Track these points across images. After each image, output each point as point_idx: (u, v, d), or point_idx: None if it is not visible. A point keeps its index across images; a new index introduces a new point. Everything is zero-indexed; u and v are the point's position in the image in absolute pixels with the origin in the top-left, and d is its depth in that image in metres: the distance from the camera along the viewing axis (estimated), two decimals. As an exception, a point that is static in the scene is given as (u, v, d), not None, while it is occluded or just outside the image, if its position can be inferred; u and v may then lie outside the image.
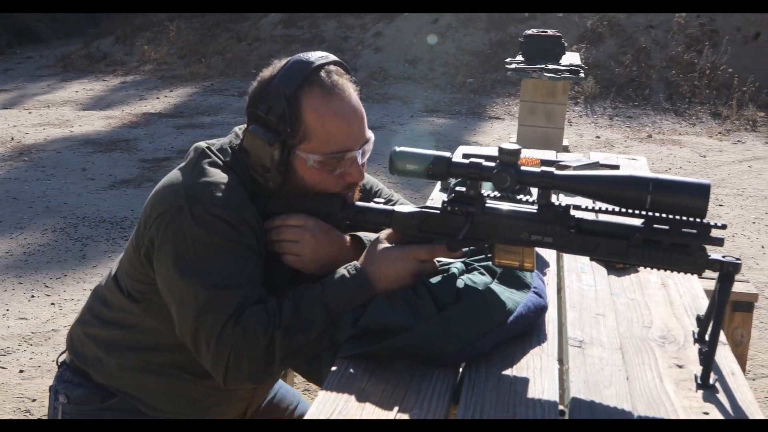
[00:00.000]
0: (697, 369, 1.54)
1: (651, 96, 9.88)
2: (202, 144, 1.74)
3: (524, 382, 1.47)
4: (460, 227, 1.59)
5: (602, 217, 1.59)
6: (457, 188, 1.62)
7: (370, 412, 1.35)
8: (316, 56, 1.67)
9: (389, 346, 1.50)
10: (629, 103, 9.77)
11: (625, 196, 1.50)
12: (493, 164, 1.57)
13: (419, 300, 1.56)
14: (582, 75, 6.72)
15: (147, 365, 1.78)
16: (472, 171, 1.57)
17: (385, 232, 1.68)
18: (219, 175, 1.64)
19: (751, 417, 1.38)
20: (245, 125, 1.75)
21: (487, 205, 1.60)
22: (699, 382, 1.49)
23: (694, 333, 1.69)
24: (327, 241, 1.69)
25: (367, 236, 1.74)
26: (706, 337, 1.65)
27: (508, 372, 1.51)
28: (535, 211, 1.59)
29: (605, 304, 1.84)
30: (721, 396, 1.45)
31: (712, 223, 1.49)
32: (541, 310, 1.67)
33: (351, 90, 1.69)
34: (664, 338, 1.68)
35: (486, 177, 1.57)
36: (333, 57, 1.69)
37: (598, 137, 8.51)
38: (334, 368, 1.49)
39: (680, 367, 1.56)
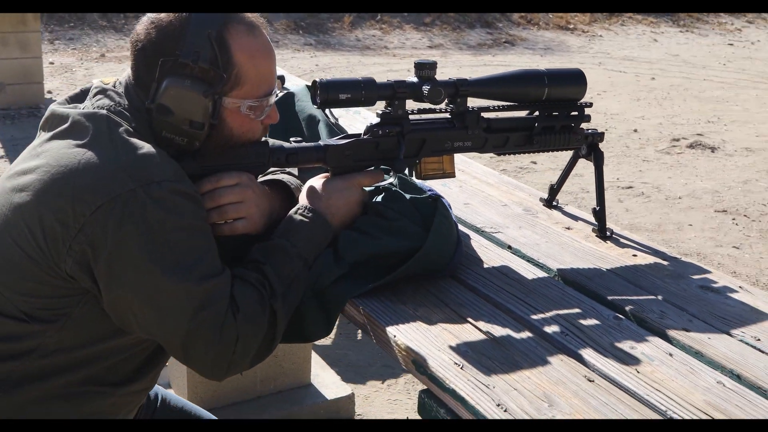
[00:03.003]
0: (581, 227, 1.89)
1: (86, 16, 9.64)
2: (98, 109, 1.42)
3: (511, 271, 1.64)
4: (395, 148, 1.63)
5: (501, 115, 1.79)
6: (381, 110, 1.64)
7: (463, 327, 1.39)
8: None
9: (406, 269, 1.51)
10: (65, 25, 9.40)
11: (528, 92, 1.73)
12: (416, 80, 1.63)
13: (393, 222, 1.57)
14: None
15: (49, 392, 1.44)
16: (400, 91, 1.61)
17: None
18: (147, 146, 1.38)
19: (655, 247, 1.79)
20: (123, 80, 1.48)
21: (411, 121, 1.67)
22: (600, 235, 1.84)
23: (542, 200, 2.03)
24: (263, 193, 1.57)
25: (282, 177, 1.65)
26: (554, 202, 2.02)
27: (489, 267, 1.66)
28: (450, 118, 1.71)
29: (452, 193, 2.05)
30: (626, 241, 1.83)
31: (583, 103, 1.81)
32: (449, 206, 1.82)
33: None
34: (528, 210, 1.98)
35: (417, 95, 1.62)
36: None
37: (52, 63, 8.09)
38: (359, 309, 1.46)
39: (570, 228, 1.89)
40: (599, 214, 1.83)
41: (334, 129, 1.97)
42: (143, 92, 1.43)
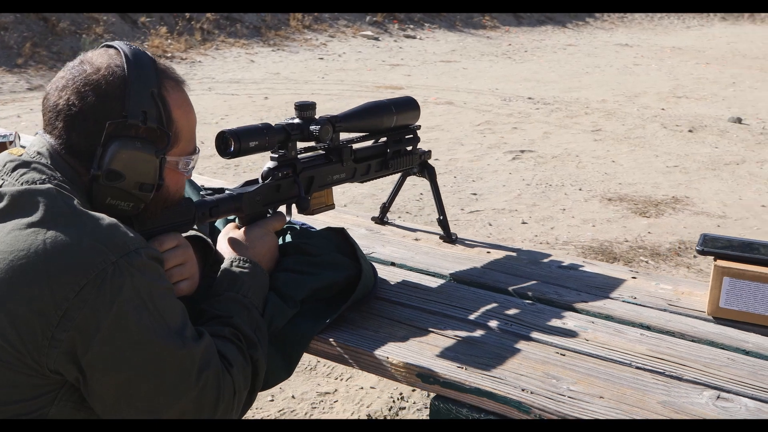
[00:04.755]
0: (425, 236, 2.17)
1: None
2: (44, 184, 1.34)
3: (416, 283, 1.85)
4: (292, 189, 1.75)
5: (361, 145, 1.98)
6: (273, 153, 1.74)
7: (432, 337, 1.58)
8: (126, 42, 1.49)
9: (353, 299, 1.65)
10: None
11: (383, 121, 1.96)
12: (300, 121, 1.76)
13: (321, 257, 1.70)
14: None
15: None
16: (293, 133, 1.73)
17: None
18: (105, 216, 1.34)
19: (493, 243, 2.13)
20: (43, 150, 1.40)
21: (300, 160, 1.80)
22: (448, 240, 2.13)
23: (374, 218, 2.26)
24: (193, 251, 1.60)
25: (197, 233, 1.68)
26: (385, 219, 2.27)
27: (395, 283, 1.85)
28: (326, 153, 1.87)
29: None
30: (470, 242, 2.14)
31: (414, 126, 2.08)
32: None
33: None
34: (370, 230, 2.20)
35: (306, 135, 1.76)
36: None
37: None
38: (330, 341, 1.57)
39: (418, 240, 2.15)
40: (443, 222, 2.11)
41: (193, 182, 2.00)
42: (79, 160, 1.38)
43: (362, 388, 3.24)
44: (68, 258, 1.23)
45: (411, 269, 1.92)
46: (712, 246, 1.72)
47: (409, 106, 2.00)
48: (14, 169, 1.35)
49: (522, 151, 7.24)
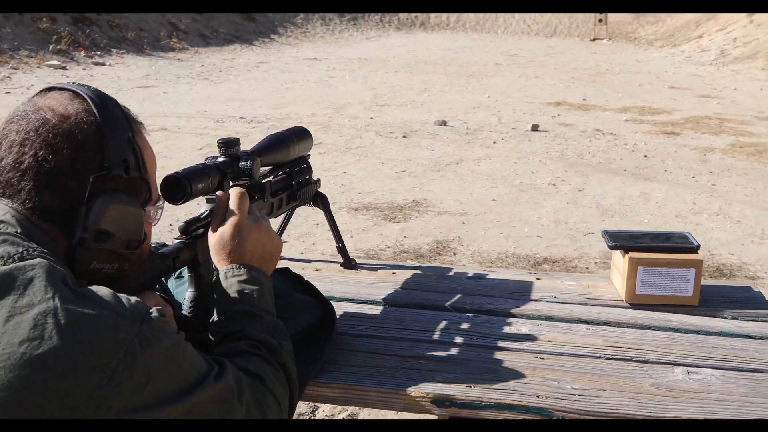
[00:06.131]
0: (323, 266, 2.17)
1: None
2: (31, 258, 1.17)
3: (360, 313, 1.85)
4: None
5: (271, 179, 1.93)
6: (209, 196, 1.67)
7: (418, 363, 1.60)
8: (76, 83, 1.35)
9: (332, 337, 1.63)
10: None
11: (290, 152, 1.94)
12: (226, 159, 1.69)
13: (286, 298, 1.66)
14: None
15: None
16: (228, 172, 1.67)
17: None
18: (98, 287, 1.23)
19: (389, 263, 2.19)
20: (4, 217, 1.24)
21: None
22: (349, 266, 2.15)
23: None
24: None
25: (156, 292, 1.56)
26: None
27: (340, 315, 1.84)
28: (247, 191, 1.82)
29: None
30: (370, 265, 2.17)
31: (307, 155, 2.09)
32: None
33: None
34: (267, 267, 2.16)
35: (239, 170, 1.70)
36: None
37: None
38: (330, 386, 1.53)
39: (319, 270, 2.15)
40: (343, 249, 2.13)
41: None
42: (54, 224, 1.23)
43: None
44: (91, 340, 1.09)
45: (342, 300, 1.92)
46: (621, 241, 1.91)
47: (304, 135, 1.99)
48: None
49: (256, 171, 7.22)
